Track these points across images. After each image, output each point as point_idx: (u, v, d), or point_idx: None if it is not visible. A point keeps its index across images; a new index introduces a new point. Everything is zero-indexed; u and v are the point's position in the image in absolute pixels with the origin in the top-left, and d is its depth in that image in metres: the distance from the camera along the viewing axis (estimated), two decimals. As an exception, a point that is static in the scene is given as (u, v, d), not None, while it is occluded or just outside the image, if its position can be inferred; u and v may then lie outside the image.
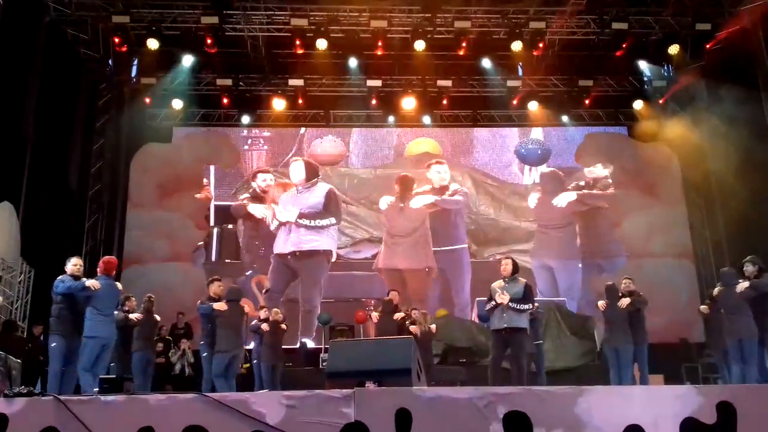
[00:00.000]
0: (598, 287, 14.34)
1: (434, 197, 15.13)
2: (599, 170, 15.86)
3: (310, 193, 14.81)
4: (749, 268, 8.13)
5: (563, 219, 15.49)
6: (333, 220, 14.76)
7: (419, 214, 15.08)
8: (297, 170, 15.03)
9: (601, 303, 8.80)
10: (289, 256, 14.43)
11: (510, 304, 7.68)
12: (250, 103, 15.52)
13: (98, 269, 7.68)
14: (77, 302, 7.22)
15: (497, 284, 8.01)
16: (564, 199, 15.55)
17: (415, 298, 13.77)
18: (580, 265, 15.21)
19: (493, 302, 7.86)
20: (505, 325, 7.75)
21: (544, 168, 16.05)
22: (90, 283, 7.18)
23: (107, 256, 8.20)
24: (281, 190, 15.15)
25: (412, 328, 9.73)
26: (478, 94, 15.94)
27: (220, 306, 8.52)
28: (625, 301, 8.55)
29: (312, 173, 15.00)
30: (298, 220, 14.60)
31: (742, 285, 7.94)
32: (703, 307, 9.04)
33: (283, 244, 14.59)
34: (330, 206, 14.75)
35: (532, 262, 15.12)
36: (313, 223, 14.58)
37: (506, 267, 7.99)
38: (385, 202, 15.20)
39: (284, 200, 14.96)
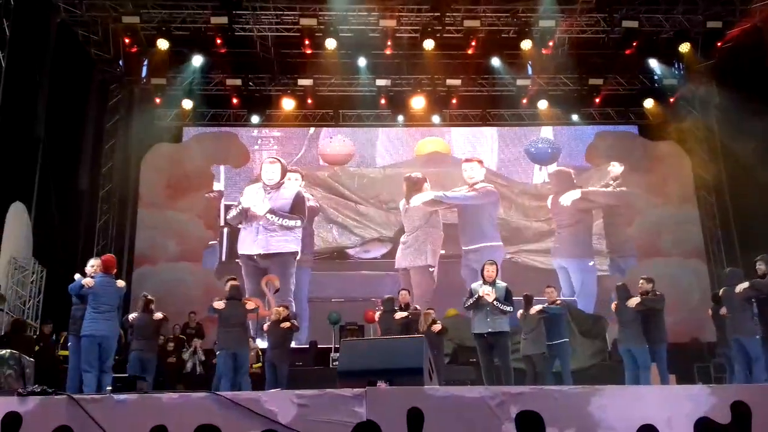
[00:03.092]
0: (609, 286, 14.46)
1: (433, 194, 15.21)
2: (617, 168, 15.80)
3: (277, 193, 14.66)
4: (761, 267, 8.10)
5: (571, 217, 15.46)
6: (299, 222, 14.65)
7: (420, 212, 15.14)
8: (274, 171, 14.80)
9: (614, 304, 8.73)
10: (255, 257, 14.34)
11: (495, 302, 7.86)
12: (260, 102, 15.55)
13: (93, 267, 7.68)
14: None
15: (477, 285, 8.14)
16: (568, 198, 15.53)
17: (419, 295, 13.80)
18: (591, 263, 15.14)
19: (476, 296, 7.96)
20: (489, 330, 7.93)
21: (554, 167, 15.99)
22: (85, 281, 7.27)
23: (106, 255, 8.24)
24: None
25: (435, 327, 9.77)
26: (488, 93, 15.89)
27: (218, 305, 8.67)
28: (633, 301, 8.45)
29: (284, 174, 14.90)
30: (267, 215, 14.43)
31: (741, 285, 7.92)
32: (723, 310, 8.69)
33: (250, 245, 14.45)
34: (298, 208, 14.64)
35: (553, 263, 15.17)
36: (280, 222, 14.43)
37: (491, 271, 8.10)
38: (401, 203, 15.30)
39: (251, 193, 14.77)
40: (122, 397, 4.11)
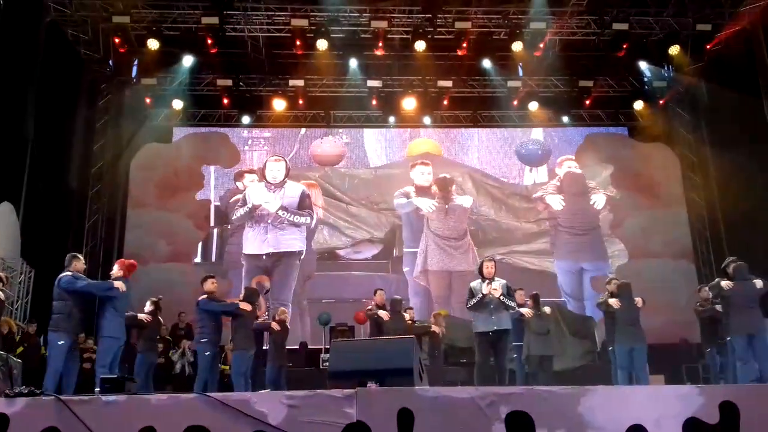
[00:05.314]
0: (595, 286, 14.53)
1: (471, 198, 15.36)
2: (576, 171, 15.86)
3: (282, 191, 14.59)
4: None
5: (594, 220, 15.44)
6: (309, 219, 14.56)
7: (465, 215, 15.14)
8: (279, 169, 14.68)
9: (614, 301, 8.59)
10: (264, 257, 14.27)
11: (502, 298, 7.82)
12: (251, 103, 15.53)
13: (121, 271, 7.64)
14: (88, 300, 7.20)
15: (476, 283, 8.06)
16: (602, 200, 15.51)
17: (459, 299, 13.85)
18: (607, 266, 15.18)
19: (480, 295, 7.87)
20: (495, 328, 7.84)
21: (575, 169, 15.85)
22: (118, 284, 7.30)
23: (130, 260, 8.18)
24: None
25: (435, 328, 9.86)
26: (479, 94, 15.94)
27: (247, 306, 8.65)
28: (640, 300, 8.47)
29: (287, 173, 14.78)
30: (279, 211, 14.33)
31: (760, 282, 7.91)
32: (720, 306, 8.63)
33: (259, 244, 14.35)
34: (305, 205, 14.59)
35: (556, 264, 15.18)
36: (292, 218, 14.34)
37: (490, 267, 8.05)
38: (428, 204, 15.10)
39: (258, 192, 14.61)
40: (111, 398, 4.08)
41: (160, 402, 4.02)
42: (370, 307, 10.20)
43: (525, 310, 8.89)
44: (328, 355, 10.01)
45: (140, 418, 3.89)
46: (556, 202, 15.53)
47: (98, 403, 4.02)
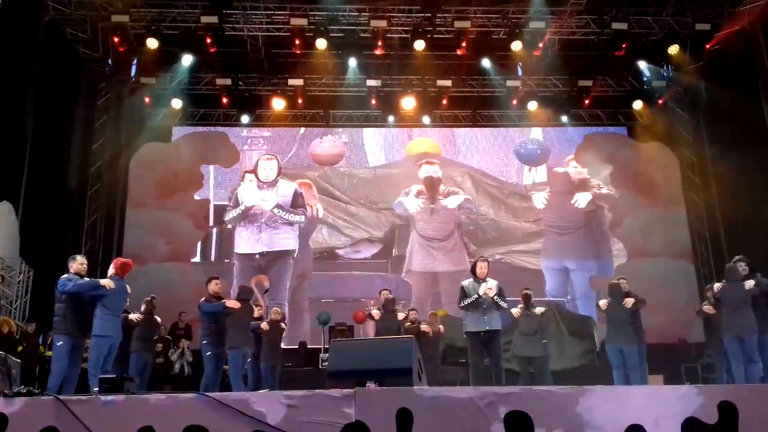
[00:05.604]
0: (595, 286, 14.55)
1: (464, 197, 15.26)
2: (584, 171, 15.85)
3: (274, 190, 14.53)
4: (746, 267, 8.15)
5: (580, 219, 15.42)
6: (303, 217, 14.54)
7: (452, 215, 15.09)
8: (271, 168, 14.62)
9: (603, 302, 8.60)
10: (257, 256, 14.24)
11: (495, 298, 7.78)
12: (250, 102, 15.51)
13: (114, 270, 7.64)
14: (83, 301, 7.20)
15: (468, 283, 8.00)
16: (584, 199, 15.48)
17: (448, 299, 13.87)
18: (596, 266, 15.19)
19: (476, 295, 7.81)
20: (486, 328, 7.80)
21: (559, 168, 15.88)
22: (105, 282, 7.26)
23: (125, 259, 8.16)
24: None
25: (424, 327, 9.83)
26: (478, 94, 15.93)
27: (234, 304, 8.61)
28: (630, 301, 8.39)
29: (279, 172, 14.75)
30: (274, 209, 14.29)
31: (750, 282, 7.92)
32: (708, 308, 8.74)
33: (253, 244, 14.32)
34: (298, 204, 14.55)
35: (542, 263, 15.15)
36: (288, 216, 14.31)
37: (483, 268, 8.01)
38: (415, 204, 15.06)
39: (250, 192, 14.57)
40: (109, 397, 4.07)
41: (158, 402, 4.01)
42: (370, 306, 10.19)
43: (514, 310, 8.87)
44: (327, 355, 10.00)
45: (139, 418, 3.89)
46: (539, 201, 15.54)
47: (97, 402, 4.02)
